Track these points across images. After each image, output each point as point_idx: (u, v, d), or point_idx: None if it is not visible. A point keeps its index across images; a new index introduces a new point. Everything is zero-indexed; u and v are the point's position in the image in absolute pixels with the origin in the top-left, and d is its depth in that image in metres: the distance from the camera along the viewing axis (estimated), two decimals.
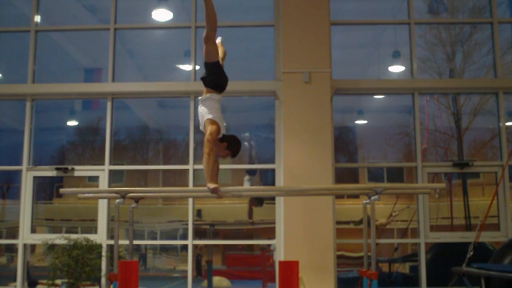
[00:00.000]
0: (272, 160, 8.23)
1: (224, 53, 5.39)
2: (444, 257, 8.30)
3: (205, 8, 4.84)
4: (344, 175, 8.94)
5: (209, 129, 4.82)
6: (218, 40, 5.37)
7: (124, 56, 9.49)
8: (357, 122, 10.33)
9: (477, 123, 9.19)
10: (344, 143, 9.92)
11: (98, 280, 7.74)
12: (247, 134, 8.91)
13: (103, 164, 8.27)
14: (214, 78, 5.01)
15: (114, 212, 6.45)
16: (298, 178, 7.50)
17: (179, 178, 10.12)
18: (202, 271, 10.46)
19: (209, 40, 4.90)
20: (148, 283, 10.23)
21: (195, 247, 8.17)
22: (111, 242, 7.65)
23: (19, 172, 8.37)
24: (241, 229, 11.20)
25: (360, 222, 8.59)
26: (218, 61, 5.04)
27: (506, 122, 8.36)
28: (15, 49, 9.34)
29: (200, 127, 5.07)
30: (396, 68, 9.10)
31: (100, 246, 7.71)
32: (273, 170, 8.22)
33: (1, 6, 9.32)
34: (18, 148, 8.45)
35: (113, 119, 8.41)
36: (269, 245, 9.36)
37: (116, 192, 5.27)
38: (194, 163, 8.16)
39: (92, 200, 7.96)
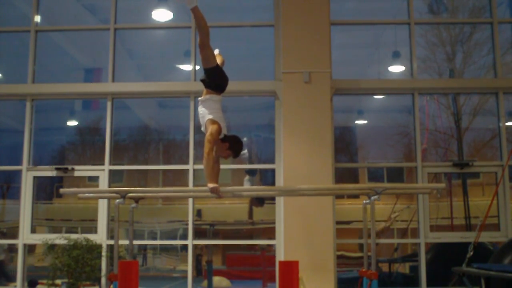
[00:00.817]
0: (272, 160, 8.23)
1: (223, 62, 5.39)
2: (444, 257, 8.30)
3: (194, 17, 4.83)
4: (344, 175, 8.94)
5: (210, 129, 4.82)
6: (216, 52, 5.39)
7: (124, 56, 9.49)
8: (357, 122, 10.33)
9: (477, 123, 9.19)
10: (344, 143, 9.92)
11: (98, 280, 7.75)
12: (245, 139, 8.89)
13: (103, 164, 8.27)
14: (215, 80, 5.01)
15: (114, 212, 6.45)
16: (298, 178, 7.50)
17: (179, 178, 10.12)
18: (202, 271, 10.45)
19: (204, 46, 4.90)
20: (148, 283, 10.22)
21: (195, 247, 8.18)
22: (111, 242, 7.66)
23: (19, 172, 8.37)
24: (241, 229, 11.20)
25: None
26: (217, 65, 5.03)
27: (506, 122, 8.36)
28: (15, 49, 9.34)
29: (202, 128, 5.07)
30: (396, 68, 9.10)
31: (100, 246, 7.71)
32: (273, 170, 8.22)
33: (1, 6, 9.32)
34: (18, 148, 8.45)
35: (113, 119, 8.42)
36: (269, 245, 9.35)
37: (116, 192, 5.27)
38: (194, 163, 8.17)
39: (92, 200, 7.96)
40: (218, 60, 5.28)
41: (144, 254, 11.07)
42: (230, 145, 4.94)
